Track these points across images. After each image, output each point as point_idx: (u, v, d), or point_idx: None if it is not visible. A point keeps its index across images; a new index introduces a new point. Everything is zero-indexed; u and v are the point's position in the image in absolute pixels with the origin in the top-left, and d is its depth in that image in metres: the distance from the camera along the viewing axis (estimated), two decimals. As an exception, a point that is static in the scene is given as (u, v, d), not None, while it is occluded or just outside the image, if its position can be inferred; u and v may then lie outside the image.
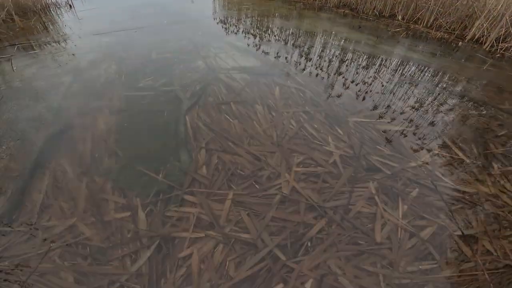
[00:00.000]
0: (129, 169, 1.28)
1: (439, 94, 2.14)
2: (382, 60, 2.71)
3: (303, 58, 2.67)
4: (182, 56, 2.54)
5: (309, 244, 1.04)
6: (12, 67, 2.26)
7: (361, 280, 0.95)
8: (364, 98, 1.99)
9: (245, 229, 1.07)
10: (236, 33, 3.34)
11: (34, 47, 2.71)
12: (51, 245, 0.98)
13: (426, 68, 2.60)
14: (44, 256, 0.95)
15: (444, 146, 1.57)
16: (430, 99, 2.06)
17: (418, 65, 2.66)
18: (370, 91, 2.10)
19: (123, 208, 1.12)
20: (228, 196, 1.19)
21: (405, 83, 2.28)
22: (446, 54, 3.04)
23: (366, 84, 2.21)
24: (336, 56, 2.74)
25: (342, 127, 1.65)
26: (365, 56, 2.77)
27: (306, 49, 2.91)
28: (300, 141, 1.51)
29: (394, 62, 2.70)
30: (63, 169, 1.28)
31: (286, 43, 3.06)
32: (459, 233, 1.11)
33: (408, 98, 2.04)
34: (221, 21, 3.93)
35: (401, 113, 1.84)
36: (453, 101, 2.06)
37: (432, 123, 1.76)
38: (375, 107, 1.88)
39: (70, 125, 1.57)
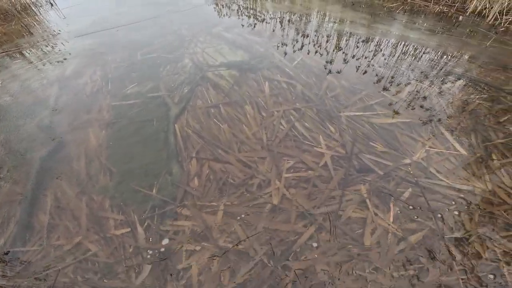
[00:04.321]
0: (124, 185, 1.40)
1: (437, 77, 2.15)
2: (377, 43, 2.68)
3: (294, 46, 2.68)
4: (168, 56, 2.59)
5: (298, 250, 1.14)
6: (-5, 81, 2.34)
7: (348, 284, 1.05)
8: (357, 89, 2.02)
9: (237, 240, 1.17)
10: (222, 22, 3.35)
11: (17, 55, 2.78)
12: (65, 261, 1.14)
13: (425, 49, 2.56)
14: (59, 273, 1.10)
15: (441, 137, 1.60)
16: (427, 83, 2.07)
17: (416, 46, 2.61)
18: (364, 80, 2.12)
19: (122, 224, 1.26)
20: (220, 207, 1.29)
21: (402, 67, 2.27)
22: (446, 30, 2.94)
23: (360, 72, 2.22)
24: (329, 42, 2.74)
25: (334, 123, 1.70)
26: (360, 39, 2.74)
27: (296, 36, 2.91)
28: (290, 143, 1.58)
29: (391, 44, 2.69)
30: (62, 189, 1.41)
31: (275, 30, 3.07)
32: (450, 235, 1.17)
33: (404, 85, 2.05)
34: (207, 10, 3.88)
35: (396, 103, 1.86)
36: (453, 84, 2.06)
37: (429, 111, 1.79)
38: (369, 98, 1.91)
39: (63, 142, 1.70)
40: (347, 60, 2.35)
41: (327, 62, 2.32)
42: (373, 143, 1.58)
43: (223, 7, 4.02)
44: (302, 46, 2.63)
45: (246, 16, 3.57)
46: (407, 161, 1.48)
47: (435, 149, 1.54)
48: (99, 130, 1.75)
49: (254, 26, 3.18)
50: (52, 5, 4.81)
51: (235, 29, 3.14)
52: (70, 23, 3.57)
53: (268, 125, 1.71)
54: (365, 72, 2.17)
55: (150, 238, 1.20)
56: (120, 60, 2.53)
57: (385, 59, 2.36)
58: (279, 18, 3.44)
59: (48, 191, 1.42)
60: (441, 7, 3.56)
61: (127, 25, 3.38)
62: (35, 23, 3.83)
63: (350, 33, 2.91)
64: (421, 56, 2.39)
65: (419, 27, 3.01)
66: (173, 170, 1.47)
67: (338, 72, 2.16)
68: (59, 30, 3.36)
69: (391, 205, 1.29)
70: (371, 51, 2.50)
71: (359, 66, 2.23)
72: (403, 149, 1.54)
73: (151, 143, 1.64)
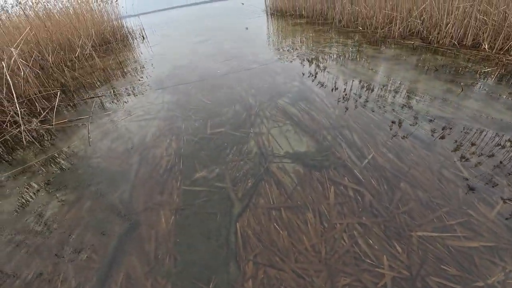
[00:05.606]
0: (185, 274, 1.99)
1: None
2: (469, 134, 2.98)
3: (363, 136, 3.19)
4: (235, 133, 3.45)
5: None
6: (89, 138, 3.45)
7: None
8: (436, 204, 2.30)
9: None
10: (288, 91, 4.40)
11: (109, 104, 4.25)
12: None
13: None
14: None
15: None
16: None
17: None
18: (446, 192, 2.40)
19: (178, 313, 1.81)
20: (270, 315, 1.76)
21: (497, 177, 2.47)
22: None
23: (441, 180, 2.50)
24: (404, 130, 3.18)
25: (402, 243, 2.06)
26: (443, 127, 3.11)
27: (365, 119, 3.47)
28: (350, 260, 2.00)
29: (484, 136, 2.92)
30: (134, 266, 2.07)
31: (342, 109, 3.76)
32: None
33: (495, 201, 2.24)
34: (272, 69, 5.24)
35: (483, 224, 2.10)
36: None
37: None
38: (450, 217, 2.19)
39: (139, 221, 2.44)
40: (425, 161, 2.69)
41: (400, 162, 2.72)
42: (444, 266, 1.85)
43: (286, 63, 5.19)
44: (373, 136, 3.13)
45: (310, 80, 4.59)
46: (480, 284, 1.70)
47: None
48: (169, 214, 2.46)
49: (320, 99, 3.99)
50: (143, 38, 7.20)
51: (301, 103, 3.99)
52: (155, 64, 5.18)
53: (328, 238, 2.15)
54: (449, 180, 2.47)
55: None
56: (192, 131, 3.53)
57: (477, 160, 2.60)
58: (346, 90, 4.17)
59: (121, 265, 2.08)
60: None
61: (199, 81, 4.70)
62: (128, 59, 5.78)
63: (433, 115, 3.29)
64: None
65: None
66: (231, 269, 1.99)
67: (414, 178, 2.55)
68: (146, 67, 5.08)
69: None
70: (458, 147, 2.79)
71: (440, 171, 2.57)
72: (478, 273, 1.76)
73: (213, 238, 2.23)
